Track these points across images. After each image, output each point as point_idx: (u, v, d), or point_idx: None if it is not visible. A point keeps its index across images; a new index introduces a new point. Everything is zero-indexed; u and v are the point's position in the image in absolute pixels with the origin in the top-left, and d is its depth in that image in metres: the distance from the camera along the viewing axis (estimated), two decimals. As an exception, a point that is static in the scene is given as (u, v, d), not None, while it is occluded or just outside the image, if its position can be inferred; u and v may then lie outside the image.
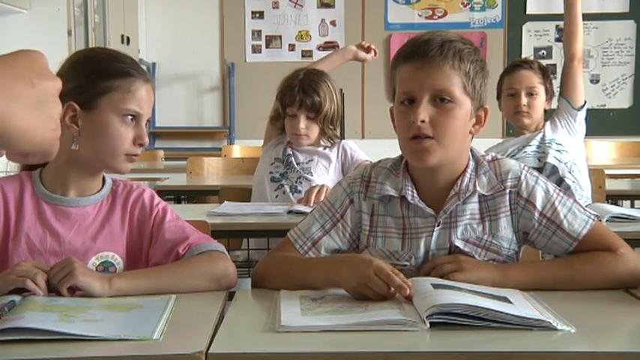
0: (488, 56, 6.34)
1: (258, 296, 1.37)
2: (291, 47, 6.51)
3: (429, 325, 1.10)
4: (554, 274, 1.37)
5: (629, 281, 1.35)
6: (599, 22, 6.36)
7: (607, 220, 2.12)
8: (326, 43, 6.43)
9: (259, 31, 6.53)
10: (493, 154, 1.51)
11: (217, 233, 2.00)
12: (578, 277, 1.36)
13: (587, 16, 6.32)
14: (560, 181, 2.58)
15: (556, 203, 1.42)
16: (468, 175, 1.44)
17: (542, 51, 6.42)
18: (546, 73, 2.74)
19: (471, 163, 1.46)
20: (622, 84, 6.40)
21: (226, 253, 1.46)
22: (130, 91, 1.41)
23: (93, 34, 4.87)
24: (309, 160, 2.54)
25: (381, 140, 6.70)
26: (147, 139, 1.45)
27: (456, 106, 1.38)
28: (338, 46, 6.23)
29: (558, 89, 2.78)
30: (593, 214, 1.43)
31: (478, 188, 1.43)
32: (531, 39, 6.42)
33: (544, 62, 6.29)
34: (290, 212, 2.19)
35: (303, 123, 2.45)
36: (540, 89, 2.67)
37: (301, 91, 2.40)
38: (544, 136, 2.65)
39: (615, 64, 6.40)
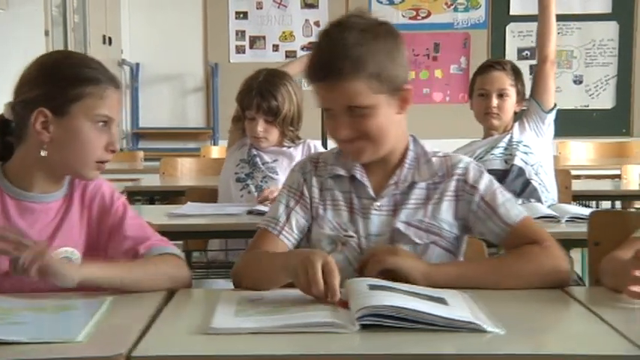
0: (472, 57, 6.36)
1: (199, 297, 1.37)
2: (275, 48, 6.51)
3: (358, 327, 1.10)
4: (483, 269, 1.40)
5: (556, 274, 1.36)
6: (582, 23, 6.38)
7: (566, 221, 2.13)
8: (310, 43, 6.42)
9: (243, 32, 6.52)
10: (445, 152, 1.54)
11: (176, 235, 2.01)
12: (507, 270, 1.38)
13: (570, 17, 6.45)
14: (526, 184, 2.58)
15: (497, 192, 1.49)
16: (406, 165, 1.51)
17: (526, 52, 6.43)
18: (518, 74, 2.73)
19: (410, 154, 1.52)
20: (605, 85, 6.42)
21: (182, 256, 1.47)
22: (102, 98, 1.40)
23: (72, 34, 4.86)
24: (274, 160, 2.54)
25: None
26: (118, 145, 1.45)
27: (369, 109, 1.42)
28: (322, 47, 6.24)
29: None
30: (527, 214, 1.49)
31: (416, 178, 1.50)
32: (515, 40, 6.43)
33: (528, 63, 6.45)
34: (250, 212, 2.19)
35: (261, 127, 2.45)
36: (511, 91, 2.66)
37: (258, 95, 2.39)
38: (512, 137, 2.64)
39: (598, 64, 6.42)
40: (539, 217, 2.23)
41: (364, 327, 1.11)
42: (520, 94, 2.69)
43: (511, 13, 6.41)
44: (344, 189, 1.53)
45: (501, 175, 2.59)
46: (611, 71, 6.39)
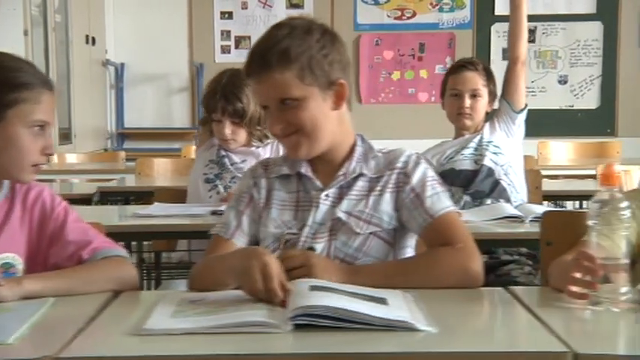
0: (457, 57, 6.34)
1: (142, 299, 1.37)
2: (261, 48, 6.51)
3: (290, 327, 1.10)
4: (393, 271, 1.42)
5: (464, 277, 1.38)
6: (567, 24, 6.39)
7: (530, 221, 2.14)
8: (295, 43, 6.44)
9: (228, 32, 6.52)
10: (390, 148, 1.57)
11: (141, 235, 2.01)
12: (416, 273, 1.39)
13: (554, 17, 6.46)
14: (495, 184, 2.58)
15: (427, 184, 1.51)
16: (355, 159, 1.54)
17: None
18: (490, 74, 2.72)
19: (359, 149, 1.56)
20: (590, 85, 6.43)
21: (129, 257, 1.47)
22: (38, 102, 1.40)
23: (53, 34, 4.85)
24: (243, 161, 2.54)
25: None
26: (53, 149, 1.44)
27: (301, 101, 1.45)
28: (307, 47, 6.24)
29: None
30: (456, 209, 1.53)
31: (365, 171, 1.53)
32: (500, 40, 6.43)
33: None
34: (214, 213, 2.19)
35: (228, 129, 2.45)
36: (484, 91, 2.66)
37: (223, 98, 2.39)
38: (482, 137, 2.64)
39: (583, 64, 6.43)
40: (503, 217, 2.25)
41: (299, 327, 1.11)
42: (492, 95, 2.69)
43: (496, 13, 6.41)
44: (291, 189, 1.56)
45: (471, 175, 2.60)
46: (596, 71, 6.40)
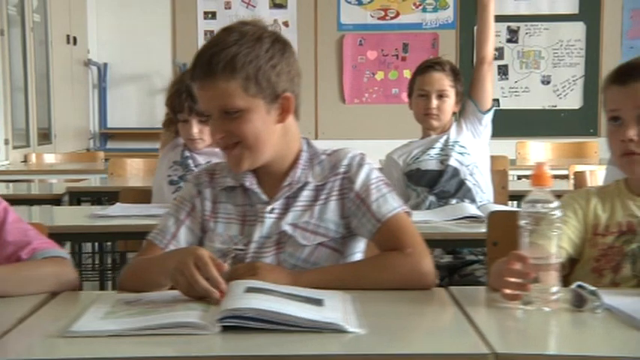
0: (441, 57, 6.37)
1: (79, 299, 1.36)
2: (244, 48, 6.50)
3: (219, 329, 1.10)
4: (343, 275, 1.39)
5: (415, 281, 1.37)
6: (550, 24, 6.40)
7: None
8: (279, 43, 6.43)
9: (212, 32, 6.50)
10: (333, 149, 1.53)
11: (96, 236, 2.00)
12: (368, 279, 1.38)
13: (537, 18, 6.47)
14: (461, 184, 2.58)
15: (372, 187, 1.47)
16: (300, 167, 1.50)
17: (494, 52, 6.44)
18: (457, 75, 2.73)
19: (304, 154, 1.51)
20: (572, 85, 6.45)
21: (69, 258, 1.46)
22: None
23: (31, 34, 4.83)
24: (207, 162, 2.51)
25: (335, 141, 6.75)
26: None
27: (244, 112, 1.40)
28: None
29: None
30: (405, 208, 1.48)
31: (310, 179, 1.49)
32: (483, 40, 6.44)
33: (496, 63, 6.46)
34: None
35: (195, 128, 2.43)
36: (451, 92, 2.66)
37: (189, 98, 2.36)
38: (448, 138, 2.64)
39: (566, 65, 6.44)
40: (464, 217, 2.25)
41: (229, 329, 1.11)
42: (459, 95, 2.69)
43: (479, 13, 6.42)
44: (237, 202, 1.51)
45: (436, 176, 2.60)
46: (579, 71, 6.42)
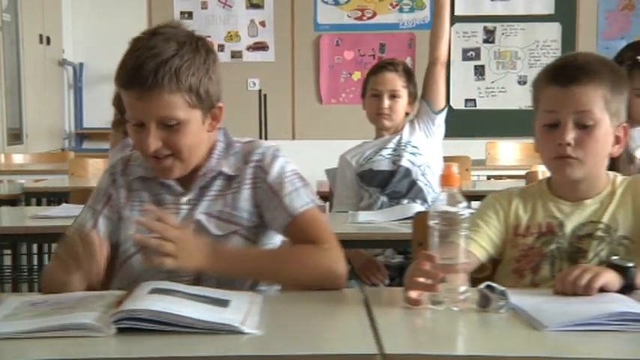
0: (418, 57, 6.36)
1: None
2: (221, 48, 6.47)
3: (114, 331, 1.10)
4: (259, 264, 1.41)
5: (330, 277, 1.37)
6: (526, 24, 6.41)
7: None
8: (255, 43, 6.41)
9: (188, 32, 6.49)
10: (248, 139, 1.54)
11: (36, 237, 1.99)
12: (283, 269, 1.39)
13: (513, 18, 6.49)
14: (412, 184, 2.58)
15: (285, 180, 1.47)
16: (215, 157, 1.50)
17: (471, 52, 6.46)
18: (410, 75, 2.74)
19: (220, 144, 1.52)
20: (549, 85, 6.46)
21: None
22: None
23: (0, 33, 4.80)
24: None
25: (312, 141, 6.74)
26: None
27: (182, 124, 1.41)
28: (267, 47, 6.24)
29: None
30: (318, 203, 1.49)
31: (224, 168, 1.49)
32: (460, 40, 6.45)
33: (473, 63, 6.48)
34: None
35: None
36: (403, 92, 2.67)
37: None
38: (401, 138, 2.65)
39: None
40: (409, 218, 2.24)
41: (126, 331, 1.10)
42: (412, 96, 2.70)
43: (456, 13, 6.41)
44: (153, 191, 1.53)
45: (388, 176, 2.61)
46: (555, 72, 6.43)
